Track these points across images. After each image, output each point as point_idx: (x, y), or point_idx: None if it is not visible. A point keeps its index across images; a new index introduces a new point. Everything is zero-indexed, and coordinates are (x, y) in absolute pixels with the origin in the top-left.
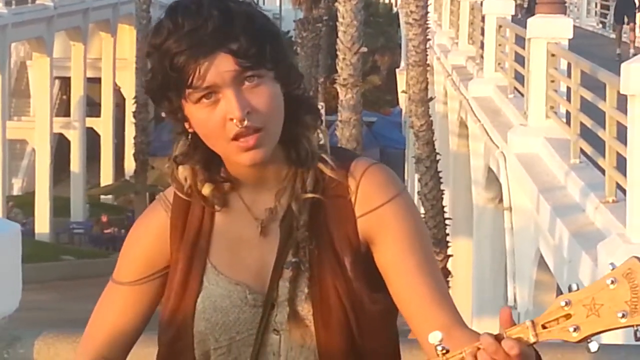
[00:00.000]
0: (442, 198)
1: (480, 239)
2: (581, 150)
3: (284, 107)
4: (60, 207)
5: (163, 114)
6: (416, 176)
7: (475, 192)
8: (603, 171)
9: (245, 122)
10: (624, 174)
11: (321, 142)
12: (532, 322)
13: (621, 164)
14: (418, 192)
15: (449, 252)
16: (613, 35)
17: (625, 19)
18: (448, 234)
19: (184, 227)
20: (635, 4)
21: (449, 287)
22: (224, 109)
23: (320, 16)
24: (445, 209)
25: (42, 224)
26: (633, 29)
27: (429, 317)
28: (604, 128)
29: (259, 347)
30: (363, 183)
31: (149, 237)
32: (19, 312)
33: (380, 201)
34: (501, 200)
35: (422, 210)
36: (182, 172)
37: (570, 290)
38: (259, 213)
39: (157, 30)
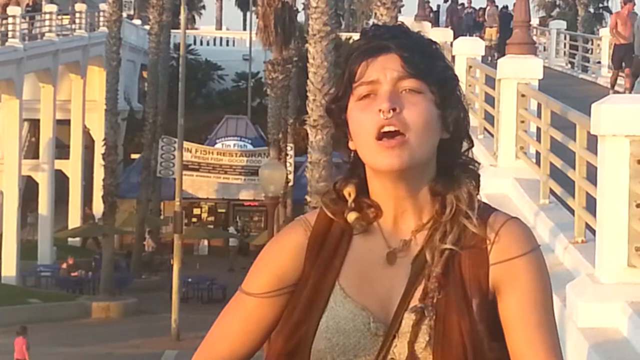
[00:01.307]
0: None
1: None
2: (551, 190)
3: (443, 157)
4: (27, 249)
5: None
6: None
7: None
8: (572, 211)
9: (390, 114)
10: (594, 214)
11: (471, 201)
12: None
13: (590, 204)
14: None
15: None
16: (582, 76)
17: (623, 65)
18: None
19: (321, 247)
20: (634, 50)
21: None
22: (376, 104)
23: (291, 57)
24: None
25: (9, 267)
26: (629, 76)
27: None
28: (574, 168)
29: None
30: (501, 234)
31: (284, 252)
32: None
33: (516, 253)
34: None
35: None
36: (347, 190)
37: None
38: (394, 244)
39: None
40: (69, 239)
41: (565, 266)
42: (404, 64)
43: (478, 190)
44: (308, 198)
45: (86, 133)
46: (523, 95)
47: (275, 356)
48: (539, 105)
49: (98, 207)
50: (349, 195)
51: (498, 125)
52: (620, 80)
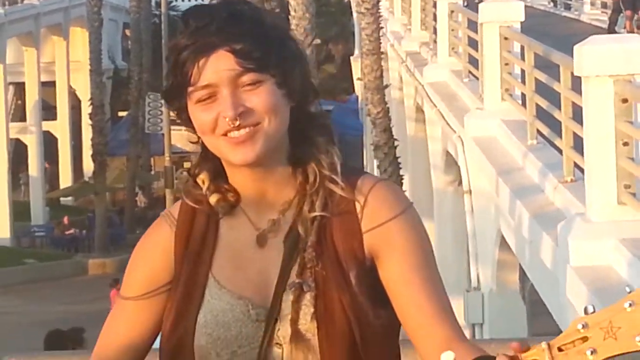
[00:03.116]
0: (402, 183)
1: (442, 221)
2: (538, 131)
3: (296, 124)
4: (20, 211)
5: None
6: (375, 162)
7: (435, 176)
8: (560, 151)
9: (237, 122)
10: (582, 154)
11: (333, 162)
12: (548, 344)
13: (578, 144)
14: None
15: None
16: (565, 14)
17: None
18: None
19: (188, 239)
20: None
21: None
22: (219, 107)
23: (273, 9)
24: (406, 194)
25: (3, 229)
26: (630, 18)
27: (431, 332)
28: (560, 109)
29: None
30: (370, 199)
31: (153, 252)
32: None
33: (387, 217)
34: (460, 183)
35: None
36: (201, 177)
37: (586, 312)
38: (262, 225)
39: (174, 34)
40: (61, 199)
41: (556, 206)
42: (237, 60)
43: (333, 144)
44: None
45: (72, 94)
46: (506, 38)
47: (161, 356)
48: (522, 48)
49: (88, 166)
50: (203, 182)
51: (482, 68)
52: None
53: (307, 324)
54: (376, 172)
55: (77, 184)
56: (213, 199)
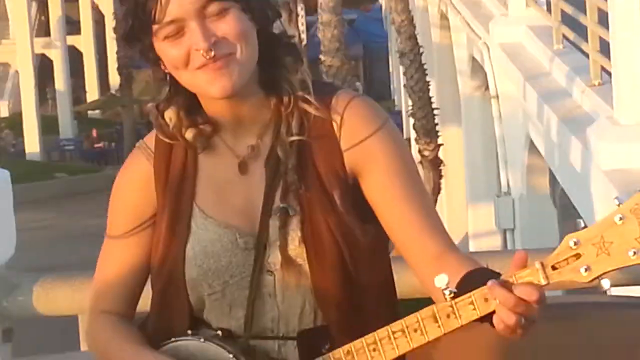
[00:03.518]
0: (429, 89)
1: (470, 127)
2: (564, 36)
3: (262, 47)
4: (48, 125)
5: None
6: (401, 69)
7: (461, 82)
8: (587, 55)
9: (212, 53)
10: (608, 58)
11: (303, 81)
12: (542, 263)
13: (604, 48)
14: (404, 84)
15: (440, 141)
16: None
17: None
18: (437, 124)
19: (167, 172)
20: None
21: (441, 176)
22: (189, 41)
23: None
24: (433, 100)
25: (32, 144)
26: None
27: (421, 245)
28: (585, 14)
29: (254, 290)
30: (346, 117)
31: (133, 187)
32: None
33: (366, 134)
34: (487, 88)
35: (409, 103)
36: (167, 114)
37: (577, 228)
38: (241, 152)
39: None
40: (89, 112)
41: (584, 109)
42: None
43: (302, 63)
44: (322, 57)
45: (95, 9)
46: None
47: (153, 292)
48: None
49: (114, 80)
50: (170, 119)
51: None
52: None
53: (296, 249)
54: (403, 79)
55: (104, 97)
56: (189, 134)
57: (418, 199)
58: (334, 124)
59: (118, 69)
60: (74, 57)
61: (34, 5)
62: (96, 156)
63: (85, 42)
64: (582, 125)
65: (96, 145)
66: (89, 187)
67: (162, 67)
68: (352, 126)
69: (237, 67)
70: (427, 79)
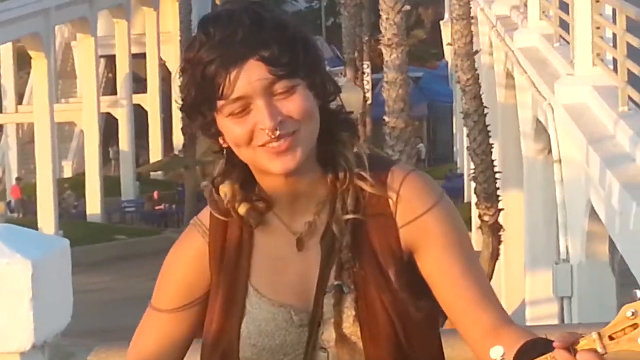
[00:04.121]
0: (491, 152)
1: (531, 191)
2: (630, 97)
3: (321, 123)
4: (111, 186)
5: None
6: (465, 131)
7: (525, 145)
8: None
9: (278, 132)
10: None
11: (360, 157)
12: (599, 334)
13: None
14: (467, 147)
15: (500, 206)
16: None
17: None
18: (498, 188)
19: (223, 250)
20: None
21: (501, 241)
22: (255, 119)
23: None
24: (495, 163)
25: (94, 205)
26: None
27: (477, 319)
28: None
29: None
30: (402, 193)
31: (187, 263)
32: (74, 296)
33: (421, 210)
34: (550, 151)
35: (471, 166)
36: (222, 188)
37: (634, 298)
38: (297, 229)
39: (191, 44)
40: (151, 173)
41: None
42: (269, 69)
43: (358, 139)
44: (386, 118)
45: (162, 66)
46: (597, 1)
47: None
48: (614, 11)
49: (178, 140)
50: (225, 195)
51: (573, 32)
52: None
53: (351, 327)
54: (466, 141)
55: (167, 158)
56: (242, 209)
57: (474, 274)
58: (390, 201)
59: (182, 129)
60: (139, 116)
61: (102, 62)
62: (157, 218)
63: (151, 100)
64: None
65: (157, 208)
66: (148, 250)
67: (221, 141)
68: (408, 203)
69: (300, 145)
70: (491, 140)
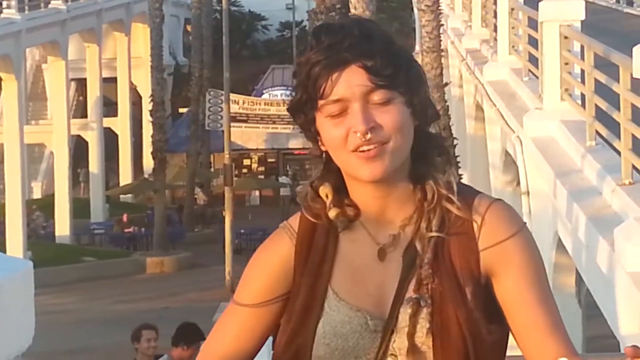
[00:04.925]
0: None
1: None
2: (597, 132)
3: (416, 142)
4: (80, 208)
5: (299, 129)
6: None
7: (493, 176)
8: (619, 153)
9: (369, 136)
10: None
11: (449, 182)
12: None
13: (637, 146)
14: None
15: None
16: (628, 10)
17: None
18: None
19: (308, 253)
20: None
21: None
22: (349, 122)
23: (334, 5)
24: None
25: (63, 227)
26: None
27: (545, 349)
28: (619, 110)
29: None
30: (487, 218)
31: (273, 262)
32: (41, 317)
33: (504, 236)
34: (519, 183)
35: None
36: (323, 189)
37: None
38: (381, 239)
39: (303, 49)
40: (121, 196)
41: (613, 209)
42: (369, 77)
43: (451, 165)
44: None
45: (133, 90)
46: (566, 37)
47: None
48: (582, 47)
49: (148, 163)
50: (327, 196)
51: (542, 67)
52: None
53: (423, 338)
54: None
55: (136, 181)
56: (332, 213)
57: (549, 304)
58: (475, 224)
59: (152, 152)
60: (110, 139)
61: (73, 85)
62: (125, 241)
63: (121, 124)
64: (610, 225)
65: (126, 230)
66: (116, 272)
67: (320, 143)
68: (492, 227)
69: (389, 155)
70: (460, 171)
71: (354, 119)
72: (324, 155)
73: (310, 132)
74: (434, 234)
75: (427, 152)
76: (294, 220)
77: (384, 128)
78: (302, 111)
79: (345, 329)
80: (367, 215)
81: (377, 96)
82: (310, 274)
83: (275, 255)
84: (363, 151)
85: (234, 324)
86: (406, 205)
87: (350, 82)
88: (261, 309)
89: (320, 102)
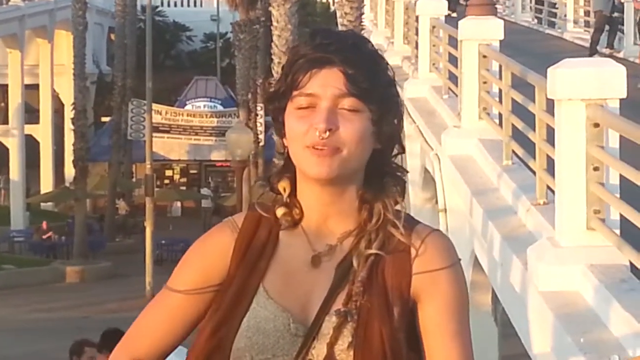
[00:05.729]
0: None
1: None
2: (513, 151)
3: (373, 166)
4: (0, 215)
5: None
6: None
7: (413, 193)
8: (534, 172)
9: (326, 135)
10: (555, 176)
11: (398, 212)
12: None
13: (552, 166)
14: None
15: None
16: (549, 31)
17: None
18: None
19: (247, 248)
20: None
21: None
22: (313, 118)
23: (257, 17)
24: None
25: None
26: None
27: None
28: (534, 130)
29: None
30: (426, 244)
31: (211, 252)
32: None
33: (438, 266)
34: (437, 201)
35: None
36: (282, 184)
37: None
38: (318, 247)
39: (297, 44)
40: (42, 204)
41: (528, 228)
42: (346, 82)
43: (403, 197)
44: (275, 160)
45: (55, 97)
46: (484, 57)
47: (196, 353)
48: (500, 67)
49: (69, 172)
50: (284, 190)
51: (461, 86)
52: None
53: (344, 351)
54: None
55: (58, 189)
56: (280, 211)
57: (464, 340)
58: (412, 249)
59: (74, 161)
60: (31, 146)
61: None
62: (45, 249)
63: (43, 131)
64: (524, 244)
65: (45, 237)
66: (35, 280)
67: (283, 135)
68: (428, 255)
69: (338, 160)
70: None
71: (318, 116)
72: (286, 151)
73: (279, 122)
74: (373, 251)
75: (384, 179)
76: (239, 217)
77: (342, 135)
78: (277, 98)
79: (268, 326)
80: (309, 221)
81: (347, 103)
82: (245, 268)
83: (214, 245)
84: (316, 149)
85: (164, 309)
86: (348, 220)
87: (326, 81)
88: (193, 296)
89: (294, 92)
